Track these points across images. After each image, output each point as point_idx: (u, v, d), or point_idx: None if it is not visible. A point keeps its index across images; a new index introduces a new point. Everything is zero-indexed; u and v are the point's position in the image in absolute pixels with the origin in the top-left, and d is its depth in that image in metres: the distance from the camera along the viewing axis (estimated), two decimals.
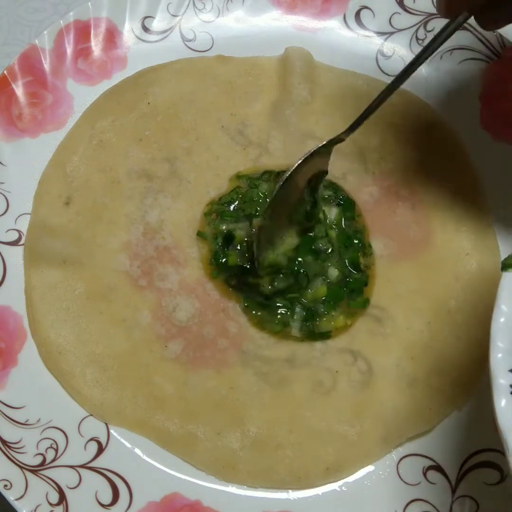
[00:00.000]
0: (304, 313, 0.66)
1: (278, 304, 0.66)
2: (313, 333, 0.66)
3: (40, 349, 0.64)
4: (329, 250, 0.68)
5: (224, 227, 0.69)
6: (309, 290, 0.67)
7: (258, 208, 0.69)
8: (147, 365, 0.64)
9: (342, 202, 0.70)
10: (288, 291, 0.66)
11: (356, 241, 0.69)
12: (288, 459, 0.61)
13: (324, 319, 0.66)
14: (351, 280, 0.68)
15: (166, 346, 0.65)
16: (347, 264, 0.68)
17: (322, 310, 0.66)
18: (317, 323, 0.66)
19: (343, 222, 0.70)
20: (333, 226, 0.69)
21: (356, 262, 0.68)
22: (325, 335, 0.66)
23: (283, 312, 0.66)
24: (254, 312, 0.66)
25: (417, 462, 0.62)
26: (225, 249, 0.68)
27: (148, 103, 0.74)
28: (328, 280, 0.67)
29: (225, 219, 0.69)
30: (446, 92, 0.75)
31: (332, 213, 0.70)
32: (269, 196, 0.69)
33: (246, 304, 0.66)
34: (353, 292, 0.67)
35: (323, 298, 0.66)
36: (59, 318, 0.65)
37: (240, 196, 0.70)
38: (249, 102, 0.75)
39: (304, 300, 0.66)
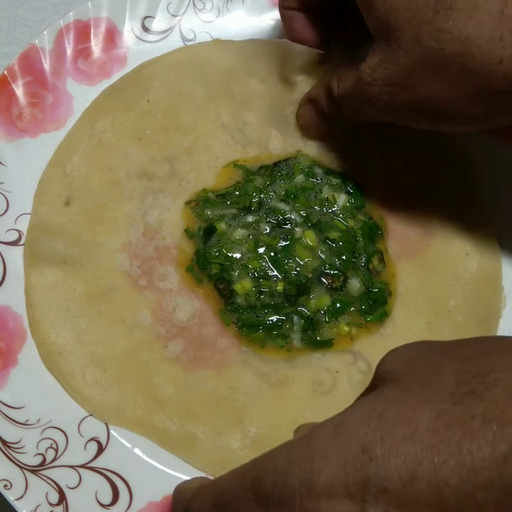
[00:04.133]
0: (303, 322, 0.65)
1: (268, 321, 0.65)
2: (316, 342, 0.65)
3: (40, 349, 0.64)
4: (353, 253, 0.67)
5: (209, 213, 0.68)
6: (312, 300, 0.66)
7: (252, 201, 0.69)
8: (147, 365, 0.64)
9: (351, 191, 0.70)
10: (281, 307, 0.65)
11: (379, 232, 0.69)
12: None
13: (326, 326, 0.66)
14: (375, 290, 0.67)
15: (166, 346, 0.65)
16: (368, 267, 0.67)
17: (323, 319, 0.65)
18: (320, 330, 0.65)
19: (354, 211, 0.69)
20: (349, 212, 0.69)
21: (382, 258, 0.67)
22: (328, 343, 0.65)
23: (278, 324, 0.65)
24: (245, 334, 0.65)
25: None
26: (206, 242, 0.67)
27: (148, 100, 0.73)
28: (351, 295, 0.66)
29: (207, 205, 0.69)
30: None
31: (340, 199, 0.69)
32: (264, 190, 0.69)
33: (234, 322, 0.65)
34: (376, 302, 0.66)
35: (326, 308, 0.66)
36: (59, 318, 0.65)
37: (237, 190, 0.70)
38: (249, 100, 0.75)
39: (302, 309, 0.65)
